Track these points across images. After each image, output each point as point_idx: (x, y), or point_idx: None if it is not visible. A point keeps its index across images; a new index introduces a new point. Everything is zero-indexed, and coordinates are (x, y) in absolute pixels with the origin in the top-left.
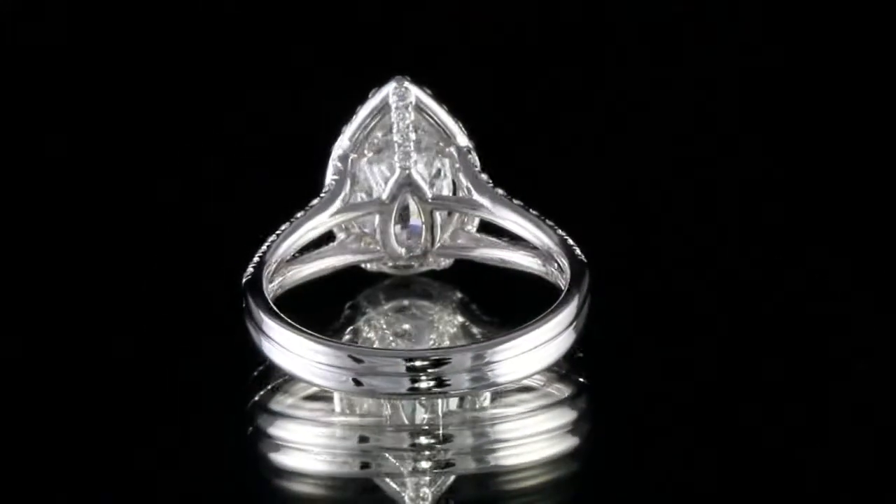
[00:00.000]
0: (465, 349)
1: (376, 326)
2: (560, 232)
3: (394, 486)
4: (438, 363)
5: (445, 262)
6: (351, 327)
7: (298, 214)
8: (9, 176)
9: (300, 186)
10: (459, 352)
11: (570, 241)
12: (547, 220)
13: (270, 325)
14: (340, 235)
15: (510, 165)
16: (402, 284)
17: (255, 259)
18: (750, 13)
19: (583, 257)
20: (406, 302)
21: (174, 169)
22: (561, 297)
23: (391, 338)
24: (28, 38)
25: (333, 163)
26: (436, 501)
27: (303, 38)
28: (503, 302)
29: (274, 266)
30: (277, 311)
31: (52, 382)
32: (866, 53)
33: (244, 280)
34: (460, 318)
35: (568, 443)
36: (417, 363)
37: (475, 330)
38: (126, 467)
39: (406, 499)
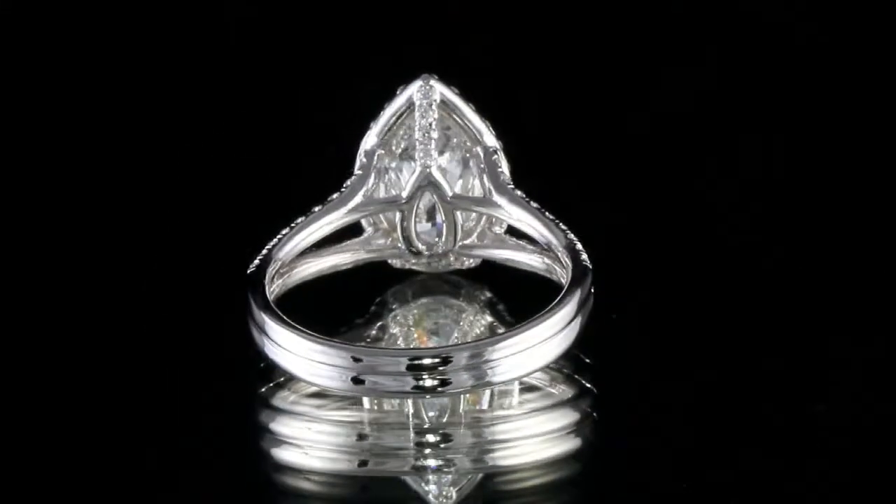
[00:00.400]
0: (464, 347)
1: (402, 323)
2: (571, 236)
3: (415, 484)
4: (439, 362)
5: (470, 262)
6: (378, 324)
7: (316, 209)
8: (9, 176)
9: (324, 181)
10: (459, 350)
11: (579, 246)
12: (560, 224)
13: (271, 325)
14: (368, 230)
15: (534, 165)
16: (430, 282)
17: (263, 253)
18: (750, 13)
19: (588, 263)
20: (434, 300)
21: (183, 168)
22: (559, 297)
23: (416, 336)
24: (28, 37)
25: (359, 158)
26: (461, 501)
27: (338, 33)
28: (532, 302)
29: (280, 262)
30: (276, 309)
31: (52, 381)
32: (866, 53)
33: (246, 276)
34: (488, 318)
35: (570, 444)
36: (418, 362)
37: (502, 330)
38: (127, 465)
39: (431, 497)
